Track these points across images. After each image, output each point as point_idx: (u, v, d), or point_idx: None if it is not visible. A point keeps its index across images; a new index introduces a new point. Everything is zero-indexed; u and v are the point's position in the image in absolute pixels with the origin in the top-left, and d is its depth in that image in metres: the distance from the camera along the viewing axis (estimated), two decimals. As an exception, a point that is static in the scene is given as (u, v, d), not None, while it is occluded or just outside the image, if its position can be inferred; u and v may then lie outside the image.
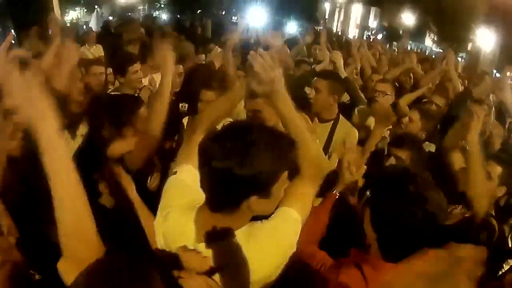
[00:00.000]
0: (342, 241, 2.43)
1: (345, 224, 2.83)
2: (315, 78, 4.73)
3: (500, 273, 3.17)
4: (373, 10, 37.43)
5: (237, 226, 2.09)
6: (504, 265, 3.30)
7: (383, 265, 2.11)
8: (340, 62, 6.37)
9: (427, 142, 4.81)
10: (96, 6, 28.82)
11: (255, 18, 11.54)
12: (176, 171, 2.37)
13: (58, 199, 1.74)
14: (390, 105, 5.09)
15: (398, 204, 2.03)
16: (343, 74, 6.11)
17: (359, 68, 7.58)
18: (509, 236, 4.07)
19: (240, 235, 2.08)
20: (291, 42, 9.19)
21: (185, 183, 2.32)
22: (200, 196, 2.14)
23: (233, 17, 20.68)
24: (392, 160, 3.59)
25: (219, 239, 2.06)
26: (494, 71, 21.93)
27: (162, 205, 2.30)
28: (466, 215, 3.58)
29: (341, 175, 2.93)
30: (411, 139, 3.77)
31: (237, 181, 1.90)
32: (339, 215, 2.94)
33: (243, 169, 1.87)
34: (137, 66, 5.49)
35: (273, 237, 2.12)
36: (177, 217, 2.21)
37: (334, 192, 2.89)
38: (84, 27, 18.29)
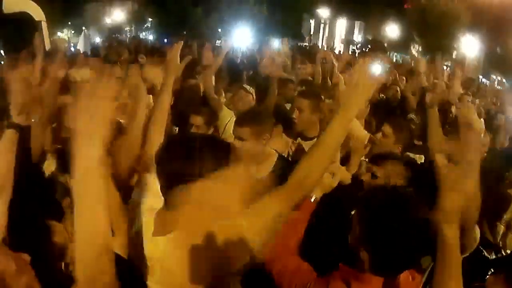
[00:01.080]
0: (330, 251, 2.44)
1: (332, 234, 2.83)
2: (296, 97, 4.73)
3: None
4: (357, 24, 37.74)
5: None
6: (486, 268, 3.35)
7: (371, 279, 2.14)
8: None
9: (417, 155, 4.87)
10: (83, 28, 28.89)
11: (240, 39, 11.63)
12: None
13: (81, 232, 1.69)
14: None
15: (388, 225, 2.05)
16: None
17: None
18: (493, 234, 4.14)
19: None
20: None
21: None
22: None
23: (217, 40, 20.79)
24: (367, 176, 3.54)
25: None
26: (480, 76, 22.13)
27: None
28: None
29: (320, 183, 2.85)
30: (390, 157, 3.68)
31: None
32: (325, 225, 2.92)
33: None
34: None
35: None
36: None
37: (311, 199, 2.84)
38: (72, 48, 18.31)
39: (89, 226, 1.67)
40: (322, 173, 2.41)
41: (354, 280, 2.16)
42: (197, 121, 4.73)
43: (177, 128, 5.61)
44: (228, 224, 2.12)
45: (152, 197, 2.38)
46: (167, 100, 3.24)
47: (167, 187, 2.15)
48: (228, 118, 5.03)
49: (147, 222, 2.28)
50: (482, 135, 5.36)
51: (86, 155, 1.62)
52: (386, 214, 2.08)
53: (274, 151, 3.89)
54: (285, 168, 3.66)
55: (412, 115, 6.62)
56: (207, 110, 5.02)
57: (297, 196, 2.33)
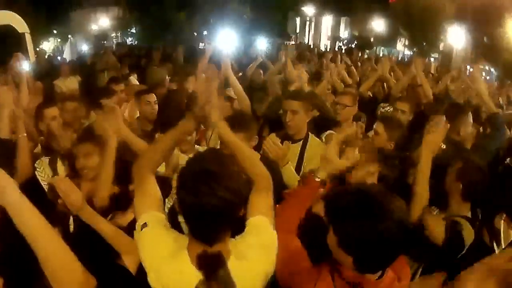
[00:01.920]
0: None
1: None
2: (288, 100, 4.69)
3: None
4: (343, 21, 37.82)
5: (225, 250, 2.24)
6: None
7: (357, 278, 2.17)
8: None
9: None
10: (69, 36, 28.79)
11: (225, 42, 11.57)
12: (146, 223, 2.36)
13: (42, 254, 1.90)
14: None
15: (362, 225, 2.04)
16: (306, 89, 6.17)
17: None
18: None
19: (233, 259, 2.23)
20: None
21: (160, 233, 2.36)
22: (177, 235, 2.35)
23: (200, 43, 20.72)
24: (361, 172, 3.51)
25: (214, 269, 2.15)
26: (468, 66, 22.19)
27: (148, 264, 2.31)
28: (442, 217, 3.64)
29: (326, 162, 2.96)
30: (382, 154, 3.72)
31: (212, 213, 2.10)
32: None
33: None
34: (115, 98, 5.53)
35: (260, 250, 2.32)
36: (173, 267, 2.25)
37: (318, 180, 2.90)
38: (59, 57, 18.25)
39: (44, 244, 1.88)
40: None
41: (340, 279, 2.21)
42: None
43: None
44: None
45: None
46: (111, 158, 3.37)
47: None
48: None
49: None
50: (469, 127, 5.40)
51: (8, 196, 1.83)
52: (356, 216, 2.07)
53: (257, 153, 3.88)
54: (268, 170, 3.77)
55: (385, 105, 6.69)
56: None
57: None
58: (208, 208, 2.08)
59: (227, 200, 2.09)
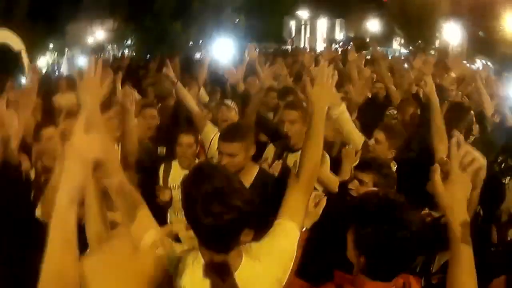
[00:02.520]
0: (326, 265, 2.47)
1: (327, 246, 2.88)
2: (285, 110, 4.70)
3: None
4: (338, 22, 37.87)
5: (236, 259, 2.23)
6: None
7: (363, 283, 2.17)
8: None
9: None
10: (66, 49, 28.79)
11: (221, 50, 11.58)
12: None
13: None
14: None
15: (382, 230, 2.10)
16: None
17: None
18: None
19: (246, 260, 2.25)
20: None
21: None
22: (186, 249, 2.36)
23: (196, 53, 20.68)
24: (355, 183, 3.59)
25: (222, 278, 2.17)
26: (465, 62, 22.21)
27: None
28: (435, 216, 3.62)
29: (310, 212, 2.96)
30: (376, 163, 3.72)
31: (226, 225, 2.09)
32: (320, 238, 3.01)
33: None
34: (112, 111, 5.50)
35: (274, 255, 2.33)
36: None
37: (303, 229, 2.81)
38: (56, 72, 18.25)
39: (55, 272, 1.63)
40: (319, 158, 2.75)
41: (348, 285, 2.21)
42: (188, 139, 4.73)
43: (164, 149, 5.57)
44: None
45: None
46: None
47: None
48: (212, 134, 4.95)
49: None
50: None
51: (58, 200, 1.62)
52: (379, 221, 2.12)
53: (256, 165, 4.03)
54: (266, 180, 3.85)
55: (392, 110, 6.59)
56: (194, 128, 5.01)
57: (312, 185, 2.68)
58: (226, 224, 2.08)
59: (243, 212, 2.09)
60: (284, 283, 2.34)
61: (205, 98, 7.45)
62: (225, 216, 2.06)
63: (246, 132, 3.89)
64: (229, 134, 3.82)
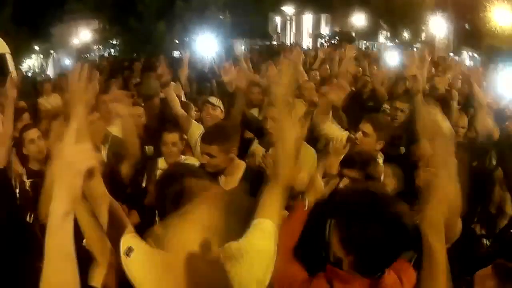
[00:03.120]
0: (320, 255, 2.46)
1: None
2: (269, 107, 4.63)
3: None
4: (323, 17, 37.88)
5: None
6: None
7: (355, 280, 2.14)
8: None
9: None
10: (51, 51, 28.68)
11: (207, 47, 11.54)
12: (130, 248, 2.28)
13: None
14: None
15: (369, 225, 2.06)
16: None
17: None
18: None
19: (225, 263, 2.16)
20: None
21: (152, 252, 2.28)
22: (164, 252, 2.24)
23: (181, 51, 20.60)
24: (345, 181, 3.48)
25: None
26: (451, 54, 22.39)
27: None
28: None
29: (312, 186, 2.97)
30: (362, 158, 3.67)
31: None
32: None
33: None
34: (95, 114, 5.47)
35: (253, 255, 2.22)
36: None
37: (305, 202, 2.91)
38: (43, 74, 18.19)
39: (55, 284, 1.62)
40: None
41: (338, 281, 2.17)
42: (171, 138, 4.70)
43: (152, 148, 5.54)
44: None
45: None
46: None
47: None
48: (198, 133, 4.90)
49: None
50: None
51: (52, 211, 1.60)
52: (362, 216, 2.09)
53: (243, 162, 4.00)
54: (254, 177, 3.75)
55: (386, 106, 6.58)
56: (179, 126, 4.98)
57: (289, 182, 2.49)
58: None
59: None
60: (266, 286, 2.26)
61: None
62: None
63: (228, 134, 3.84)
64: (208, 136, 3.83)
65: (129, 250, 2.25)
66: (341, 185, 3.50)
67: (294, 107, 3.03)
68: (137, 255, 2.24)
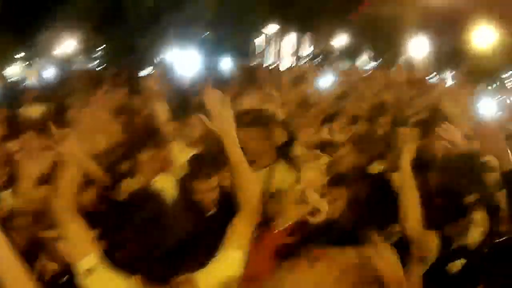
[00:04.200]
0: None
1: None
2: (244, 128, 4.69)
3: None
4: (306, 38, 37.93)
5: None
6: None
7: None
8: None
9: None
10: (34, 59, 28.45)
11: (187, 64, 11.63)
12: (90, 269, 2.24)
13: None
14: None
15: None
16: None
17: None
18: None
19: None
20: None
21: (111, 277, 2.25)
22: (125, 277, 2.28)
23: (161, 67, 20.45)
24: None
25: None
26: (433, 73, 22.72)
27: None
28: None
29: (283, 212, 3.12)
30: (346, 178, 3.75)
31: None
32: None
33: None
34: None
35: (219, 284, 2.32)
36: None
37: (273, 230, 3.07)
38: (24, 83, 18.07)
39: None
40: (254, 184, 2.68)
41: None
42: (143, 157, 4.71)
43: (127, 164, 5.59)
44: None
45: None
46: None
47: None
48: (177, 150, 4.96)
49: None
50: None
51: None
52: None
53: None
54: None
55: None
56: (152, 144, 4.90)
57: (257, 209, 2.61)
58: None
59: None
60: None
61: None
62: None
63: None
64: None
65: (89, 272, 2.22)
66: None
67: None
68: (97, 277, 2.21)
